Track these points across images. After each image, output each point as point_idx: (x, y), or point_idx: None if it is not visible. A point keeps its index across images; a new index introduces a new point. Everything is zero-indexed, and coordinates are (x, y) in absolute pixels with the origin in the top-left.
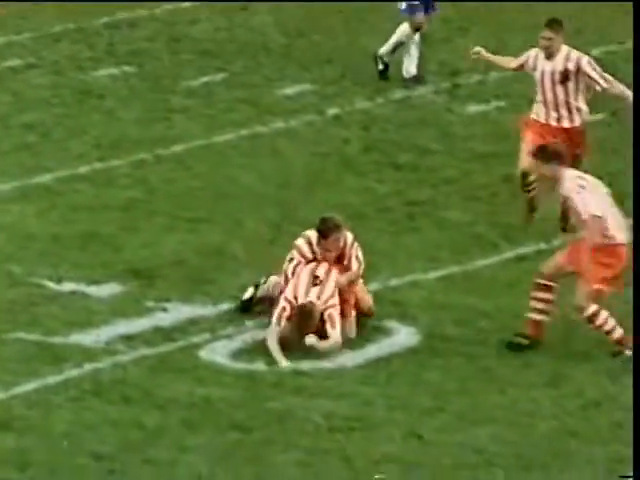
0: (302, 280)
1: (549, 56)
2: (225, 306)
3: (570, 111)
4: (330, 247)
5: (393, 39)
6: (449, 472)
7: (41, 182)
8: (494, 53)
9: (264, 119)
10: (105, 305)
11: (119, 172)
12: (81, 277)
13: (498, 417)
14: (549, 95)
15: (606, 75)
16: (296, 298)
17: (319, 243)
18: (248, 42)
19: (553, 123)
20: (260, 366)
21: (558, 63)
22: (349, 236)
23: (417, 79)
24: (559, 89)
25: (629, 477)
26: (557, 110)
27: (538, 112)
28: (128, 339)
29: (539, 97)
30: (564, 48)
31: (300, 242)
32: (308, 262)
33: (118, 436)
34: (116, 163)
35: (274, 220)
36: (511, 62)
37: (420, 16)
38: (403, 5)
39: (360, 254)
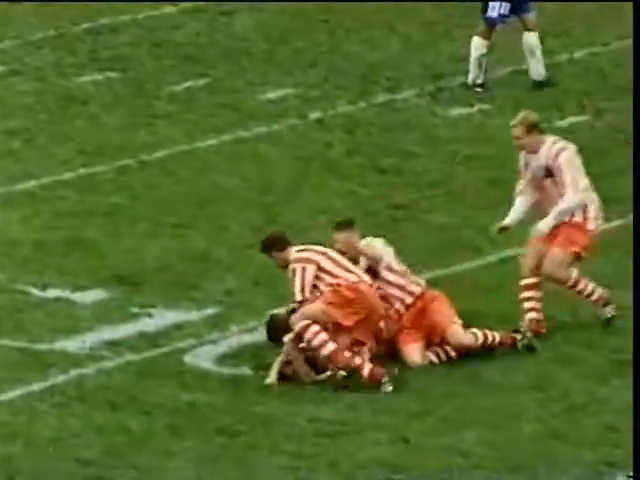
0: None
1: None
2: (210, 311)
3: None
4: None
5: (472, 60)
6: (436, 475)
7: (25, 188)
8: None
9: (247, 124)
10: (90, 311)
11: (103, 178)
12: (66, 283)
13: (484, 420)
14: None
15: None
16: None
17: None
18: (230, 47)
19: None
20: (245, 371)
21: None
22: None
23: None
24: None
25: (630, 477)
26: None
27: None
28: (113, 345)
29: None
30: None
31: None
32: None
33: (104, 442)
34: (100, 169)
35: (258, 224)
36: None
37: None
38: (495, 13)
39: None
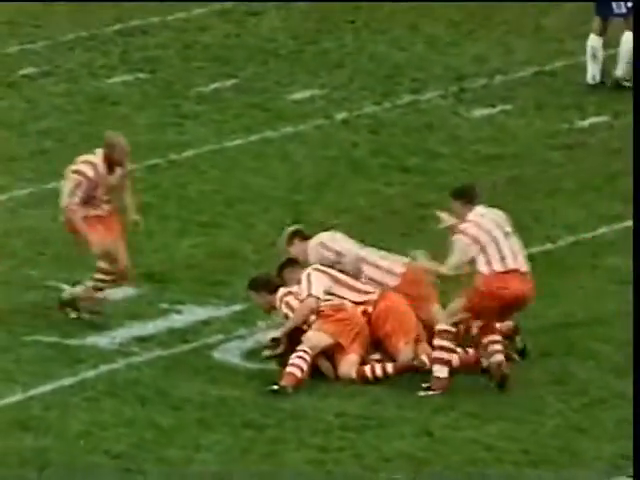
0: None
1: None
2: (237, 307)
3: None
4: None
5: (623, 55)
6: (459, 468)
7: (57, 187)
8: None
9: (274, 124)
10: (120, 308)
11: (133, 177)
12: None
13: (506, 415)
14: None
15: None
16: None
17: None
18: (258, 48)
19: None
20: (272, 366)
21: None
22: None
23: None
24: None
25: (630, 477)
26: None
27: None
28: (143, 341)
29: None
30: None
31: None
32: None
33: (133, 435)
34: (130, 168)
35: (284, 223)
36: None
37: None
38: (623, 8)
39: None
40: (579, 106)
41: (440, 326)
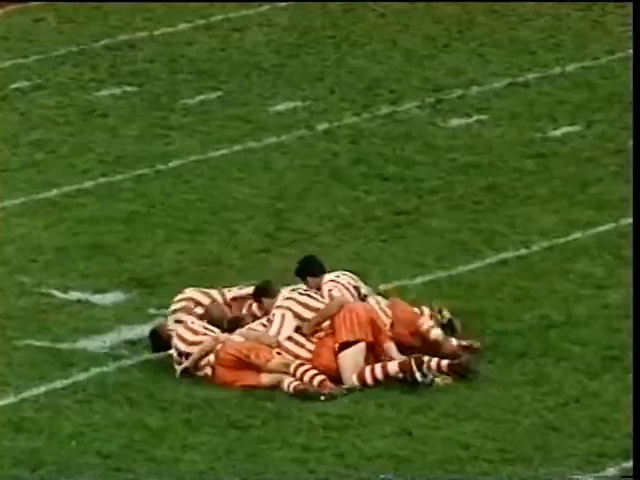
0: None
1: None
2: None
3: None
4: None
5: None
6: (437, 466)
7: (48, 197)
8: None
9: (257, 135)
10: (110, 312)
11: (122, 186)
12: (87, 286)
13: (483, 414)
14: None
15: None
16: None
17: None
18: (242, 62)
19: None
20: None
21: None
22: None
23: None
24: None
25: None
26: None
27: None
28: (132, 344)
29: None
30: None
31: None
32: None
33: (123, 436)
34: (119, 178)
35: (268, 230)
36: None
37: None
38: None
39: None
40: (552, 116)
41: None
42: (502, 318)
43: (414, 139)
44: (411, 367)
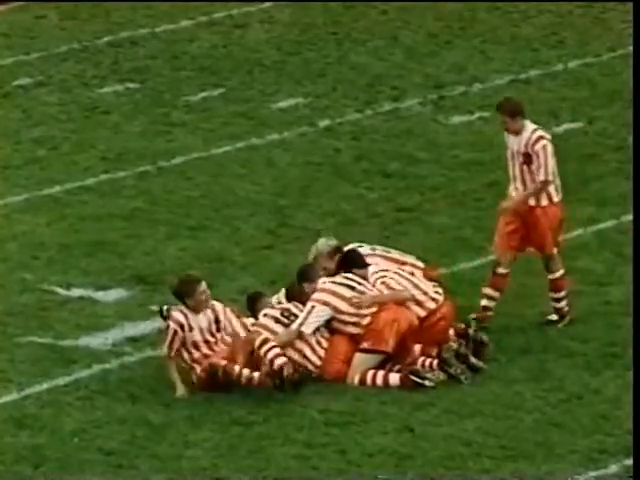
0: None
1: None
2: None
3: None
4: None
5: None
6: (439, 463)
7: (50, 194)
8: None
9: (260, 131)
10: (112, 309)
11: (124, 183)
12: (89, 283)
13: (485, 411)
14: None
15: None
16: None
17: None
18: (244, 59)
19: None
20: None
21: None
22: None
23: None
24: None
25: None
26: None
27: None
28: (134, 341)
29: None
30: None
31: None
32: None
33: (125, 433)
34: (121, 175)
35: (270, 227)
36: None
37: None
38: None
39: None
40: (553, 113)
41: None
42: (504, 315)
43: (416, 136)
44: (413, 383)
